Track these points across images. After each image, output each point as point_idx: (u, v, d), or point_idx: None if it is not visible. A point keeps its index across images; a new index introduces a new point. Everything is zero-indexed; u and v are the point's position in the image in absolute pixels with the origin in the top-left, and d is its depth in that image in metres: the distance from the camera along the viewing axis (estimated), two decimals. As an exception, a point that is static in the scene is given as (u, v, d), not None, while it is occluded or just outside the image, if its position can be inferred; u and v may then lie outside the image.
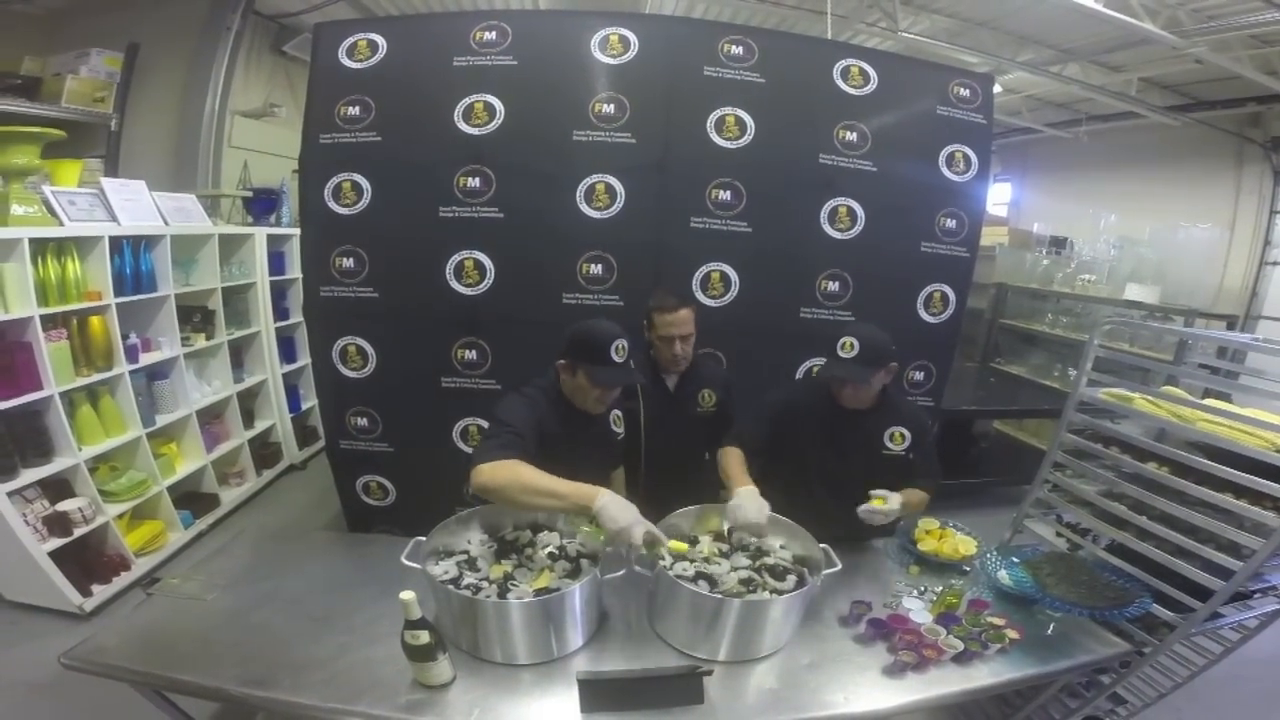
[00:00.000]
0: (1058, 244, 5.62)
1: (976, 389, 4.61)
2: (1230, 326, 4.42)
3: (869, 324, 1.90)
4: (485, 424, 2.56)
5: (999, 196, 7.92)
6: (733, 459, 1.88)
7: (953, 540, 1.96)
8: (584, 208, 2.43)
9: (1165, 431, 1.82)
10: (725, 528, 1.71)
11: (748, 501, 1.66)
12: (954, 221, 2.62)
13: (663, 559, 1.52)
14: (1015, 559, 1.84)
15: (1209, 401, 1.82)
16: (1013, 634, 1.53)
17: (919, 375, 2.74)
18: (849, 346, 1.82)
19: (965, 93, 2.61)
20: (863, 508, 1.77)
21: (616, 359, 1.66)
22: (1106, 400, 1.95)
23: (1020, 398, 4.49)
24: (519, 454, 1.50)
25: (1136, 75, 4.91)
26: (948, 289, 2.66)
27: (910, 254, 2.61)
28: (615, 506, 1.43)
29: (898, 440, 1.95)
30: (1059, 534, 2.09)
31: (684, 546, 1.57)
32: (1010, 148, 7.62)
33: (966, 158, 2.60)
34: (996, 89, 2.95)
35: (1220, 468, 1.58)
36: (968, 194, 2.62)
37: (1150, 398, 1.86)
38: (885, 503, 1.76)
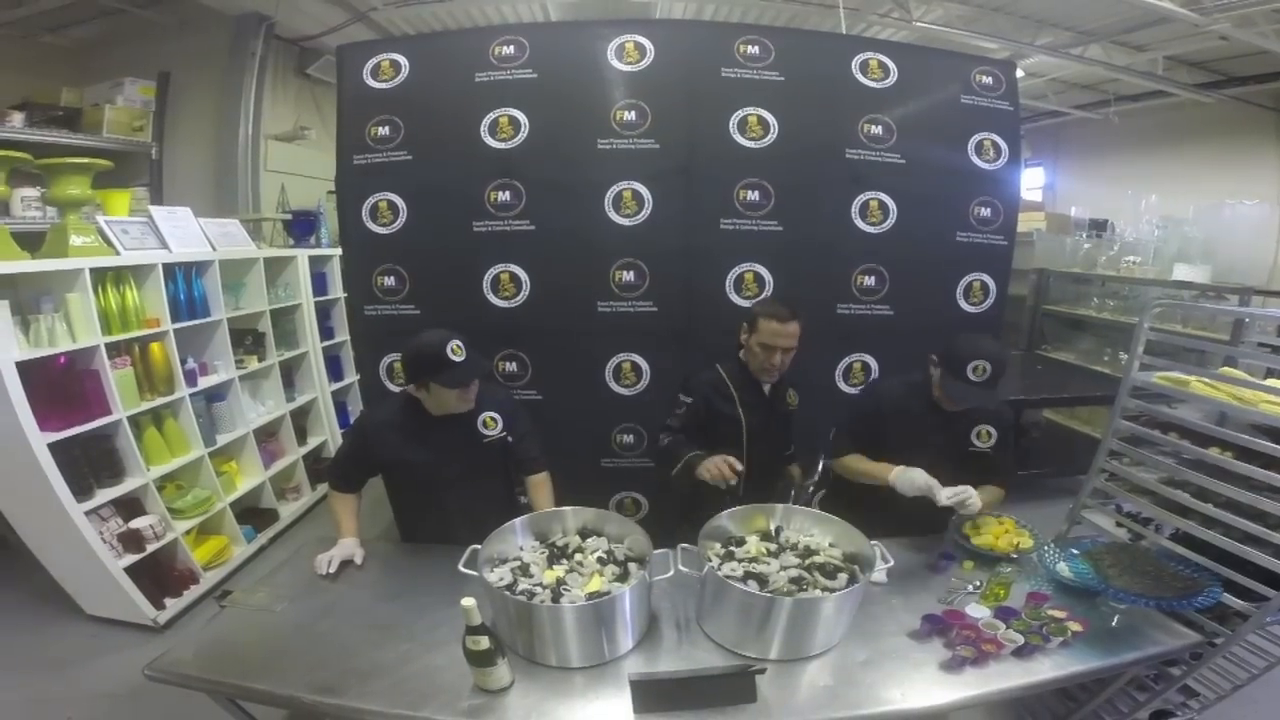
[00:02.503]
0: (1098, 227, 5.45)
1: (1024, 377, 4.48)
2: (1289, 303, 4.22)
3: (989, 340, 1.91)
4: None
5: (1032, 181, 7.73)
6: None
7: (1008, 534, 1.92)
8: (613, 216, 2.46)
9: (1226, 415, 1.76)
10: (772, 527, 1.72)
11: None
12: (988, 210, 2.57)
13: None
14: (1075, 550, 1.79)
15: (1271, 382, 1.75)
16: (1075, 626, 1.50)
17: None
18: (981, 371, 1.77)
19: (988, 80, 2.57)
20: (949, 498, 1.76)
21: (455, 358, 1.75)
22: (1161, 384, 1.88)
23: (1070, 385, 4.35)
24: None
25: (1161, 54, 4.71)
26: (987, 278, 2.62)
27: (946, 244, 2.57)
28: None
29: (984, 438, 1.95)
30: (1119, 524, 2.03)
31: None
32: (1040, 132, 7.43)
33: (996, 145, 2.56)
34: (1019, 74, 2.89)
35: (1288, 450, 1.51)
36: (1000, 181, 2.58)
37: (1208, 380, 1.79)
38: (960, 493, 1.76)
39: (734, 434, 2.03)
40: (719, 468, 1.82)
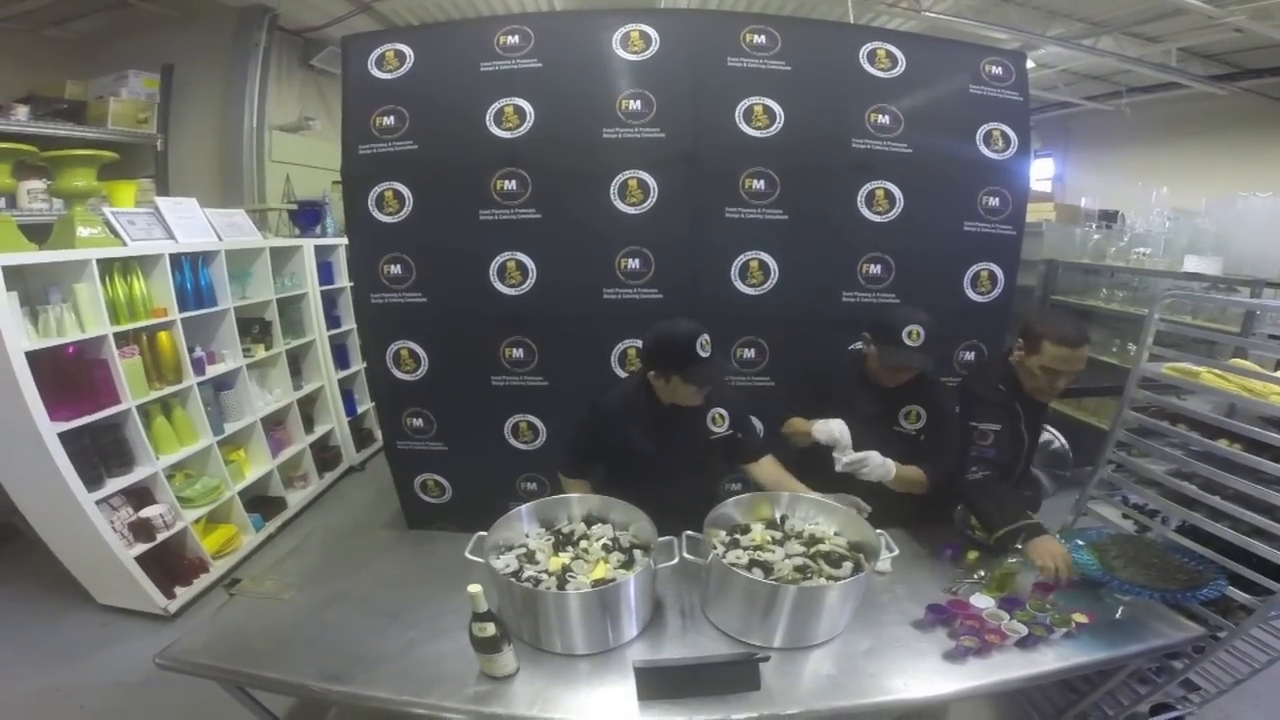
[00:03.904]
0: (1108, 218, 5.41)
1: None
2: (1301, 296, 4.17)
3: (922, 310, 1.89)
4: (535, 420, 2.65)
5: (1042, 172, 7.68)
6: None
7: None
8: (618, 204, 2.46)
9: (1236, 406, 1.74)
10: (777, 515, 1.72)
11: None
12: (997, 200, 2.55)
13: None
14: (1080, 541, 1.79)
15: (1283, 373, 1.73)
16: (1080, 617, 1.50)
17: (969, 355, 2.68)
18: (915, 335, 1.82)
19: (998, 70, 2.55)
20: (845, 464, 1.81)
21: (703, 354, 1.72)
22: (1171, 375, 1.87)
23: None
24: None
25: (1175, 46, 4.67)
26: (995, 267, 2.60)
27: (953, 234, 2.55)
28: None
29: (912, 419, 1.96)
30: (1125, 515, 2.03)
31: None
32: (1050, 122, 7.37)
33: (1005, 135, 2.54)
34: (1029, 64, 2.86)
35: (1298, 443, 1.50)
36: (1009, 171, 2.56)
37: (1218, 371, 1.78)
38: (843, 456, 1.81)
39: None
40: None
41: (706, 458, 1.96)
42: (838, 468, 1.81)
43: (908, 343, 1.83)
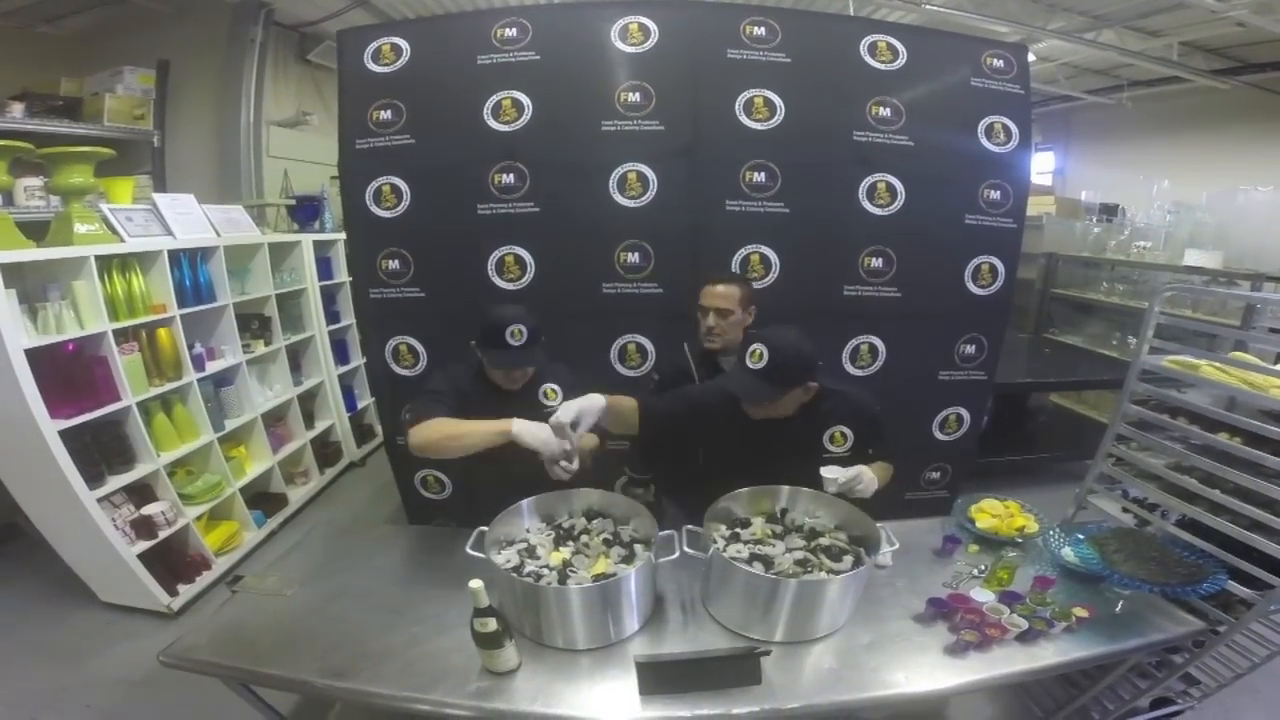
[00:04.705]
0: (1109, 211, 5.41)
1: (1031, 361, 4.47)
2: (1301, 289, 4.17)
3: (791, 330, 1.66)
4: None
5: (1042, 165, 7.67)
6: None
7: (1014, 517, 1.92)
8: (617, 197, 2.45)
9: (1236, 400, 1.74)
10: (778, 509, 1.72)
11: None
12: (998, 193, 2.55)
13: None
14: (1080, 535, 1.79)
15: (1283, 366, 1.73)
16: (1080, 612, 1.50)
17: (970, 349, 2.68)
18: (757, 356, 1.59)
19: (999, 63, 2.54)
20: (824, 474, 1.65)
21: (512, 342, 1.77)
22: (1171, 368, 1.87)
23: (1078, 368, 4.32)
24: (441, 412, 1.73)
25: (1177, 40, 4.63)
26: (996, 260, 2.60)
27: (954, 227, 2.55)
28: (530, 428, 1.61)
29: (839, 441, 1.76)
30: (1125, 509, 2.03)
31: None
32: (1050, 116, 7.36)
33: (1006, 129, 2.53)
34: (1030, 58, 2.84)
35: (1299, 436, 1.50)
36: (1010, 165, 2.55)
37: (1218, 364, 1.77)
38: (838, 477, 1.63)
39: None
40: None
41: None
42: (830, 490, 1.64)
43: (750, 365, 1.61)
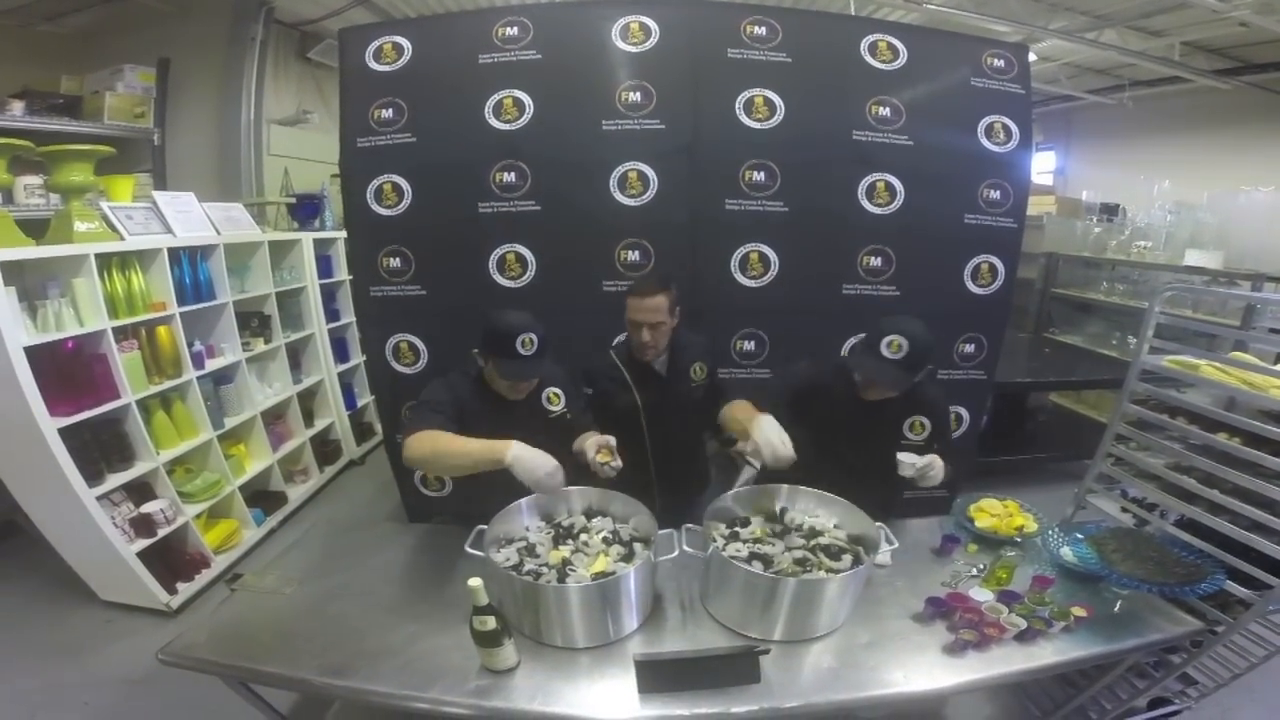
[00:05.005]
0: (1109, 211, 5.41)
1: (1030, 360, 4.46)
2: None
3: (916, 320, 1.72)
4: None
5: (1043, 165, 7.67)
6: (741, 405, 1.78)
7: (1013, 517, 1.92)
8: (618, 196, 2.45)
9: (1235, 400, 1.74)
10: (777, 508, 1.72)
11: (770, 430, 1.58)
12: (998, 192, 2.54)
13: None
14: (1079, 535, 1.79)
15: (1283, 367, 1.73)
16: (1078, 611, 1.50)
17: (970, 348, 2.68)
18: (897, 347, 1.65)
19: (1000, 63, 2.53)
20: (902, 458, 1.70)
21: (523, 352, 1.69)
22: (1171, 368, 1.87)
23: (1078, 368, 4.32)
24: (438, 426, 1.64)
25: (1179, 40, 4.62)
26: (996, 260, 2.59)
27: (954, 226, 2.54)
28: (528, 455, 1.54)
29: (917, 430, 1.85)
30: (1124, 509, 2.03)
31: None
32: (1051, 115, 7.35)
33: (1006, 128, 2.53)
34: (1031, 57, 2.84)
35: (1298, 437, 1.50)
36: (1010, 164, 2.54)
37: (1218, 364, 1.77)
38: (915, 462, 1.68)
39: (632, 418, 1.99)
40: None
41: (548, 441, 1.81)
42: (907, 474, 1.67)
43: (887, 355, 1.66)
